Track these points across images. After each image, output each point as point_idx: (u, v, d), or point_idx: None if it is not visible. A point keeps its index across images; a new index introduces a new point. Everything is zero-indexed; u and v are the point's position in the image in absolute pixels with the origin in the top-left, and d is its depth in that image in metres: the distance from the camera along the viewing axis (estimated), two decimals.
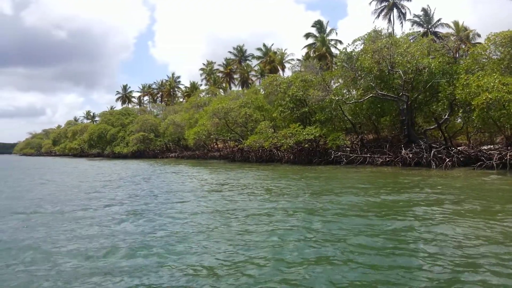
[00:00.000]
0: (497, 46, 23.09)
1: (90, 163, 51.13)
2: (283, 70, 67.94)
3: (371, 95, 28.40)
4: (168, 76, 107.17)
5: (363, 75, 28.90)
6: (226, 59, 78.79)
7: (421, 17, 55.36)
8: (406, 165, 26.37)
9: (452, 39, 34.76)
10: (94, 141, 76.72)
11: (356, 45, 30.09)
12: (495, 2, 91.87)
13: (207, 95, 62.77)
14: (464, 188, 15.74)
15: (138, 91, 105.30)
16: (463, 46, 37.93)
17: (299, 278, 6.06)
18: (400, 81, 26.67)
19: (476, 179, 18.72)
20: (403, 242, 7.75)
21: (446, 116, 26.64)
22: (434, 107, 27.12)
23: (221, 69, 80.00)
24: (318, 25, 61.06)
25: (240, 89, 67.97)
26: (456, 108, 26.47)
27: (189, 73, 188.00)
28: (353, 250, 7.27)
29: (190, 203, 13.45)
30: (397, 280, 5.86)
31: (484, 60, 24.36)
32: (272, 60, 68.12)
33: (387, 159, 28.03)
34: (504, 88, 20.26)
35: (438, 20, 54.65)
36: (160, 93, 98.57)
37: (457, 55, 31.99)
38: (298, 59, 63.61)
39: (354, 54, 29.53)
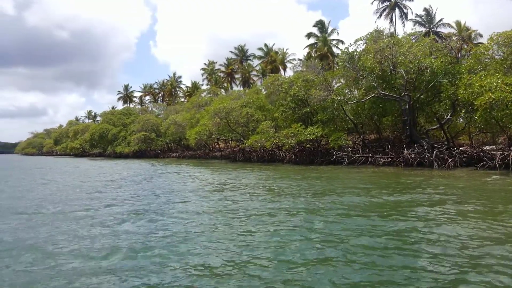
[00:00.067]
0: (500, 46, 22.97)
1: (92, 163, 51.16)
2: (284, 70, 67.88)
3: (373, 95, 28.31)
4: (169, 76, 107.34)
5: (365, 75, 28.83)
6: (227, 59, 78.80)
7: (423, 17, 55.26)
8: (408, 165, 26.29)
9: (454, 39, 34.66)
10: (95, 140, 76.78)
11: (358, 45, 30.06)
12: (496, 2, 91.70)
13: (209, 95, 62.72)
14: (466, 188, 15.68)
15: (139, 91, 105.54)
16: (465, 46, 37.83)
17: (302, 279, 6.02)
18: (402, 81, 26.59)
19: (478, 179, 18.65)
20: (406, 243, 7.70)
21: (448, 116, 26.55)
22: (436, 107, 27.02)
23: (223, 69, 80.00)
24: (320, 25, 61.01)
25: (241, 89, 67.92)
26: (458, 108, 26.39)
27: (190, 73, 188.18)
28: (355, 251, 7.23)
29: (192, 203, 13.42)
30: (400, 281, 5.83)
31: (486, 60, 24.26)
32: (273, 60, 68.06)
33: (389, 159, 27.95)
34: (507, 88, 20.17)
35: (440, 20, 54.56)
36: (162, 93, 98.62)
37: (459, 55, 31.94)
38: (299, 59, 63.56)
39: (356, 54, 29.46)
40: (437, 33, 51.78)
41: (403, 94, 27.08)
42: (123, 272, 6.50)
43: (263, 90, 44.45)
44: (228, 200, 13.63)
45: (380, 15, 57.33)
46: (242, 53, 77.32)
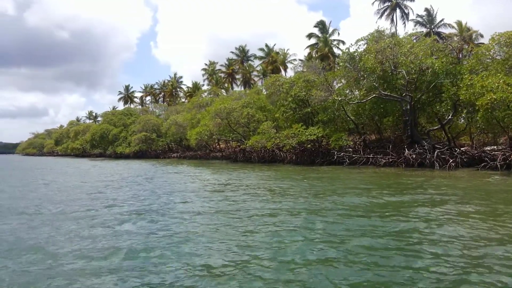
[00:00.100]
0: (502, 46, 22.92)
1: (92, 163, 51.17)
2: (285, 70, 67.82)
3: (374, 95, 28.28)
4: (170, 77, 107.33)
5: (366, 75, 28.78)
6: (228, 59, 78.78)
7: (424, 17, 55.15)
8: (409, 165, 26.24)
9: (455, 39, 34.60)
10: (96, 141, 76.79)
11: (359, 45, 30.02)
12: (497, 2, 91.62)
13: (209, 95, 62.69)
14: (468, 189, 15.64)
15: (140, 91, 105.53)
16: (466, 47, 37.78)
17: (303, 280, 6.01)
18: (403, 81, 26.55)
19: (480, 180, 18.61)
20: (407, 244, 7.68)
21: (450, 117, 26.52)
22: (437, 107, 26.98)
23: (223, 69, 79.98)
24: (321, 25, 60.94)
25: (242, 89, 67.90)
26: (459, 109, 26.35)
27: (191, 74, 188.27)
28: (357, 252, 7.21)
29: (193, 203, 13.40)
30: (402, 282, 5.81)
31: (488, 61, 24.21)
32: (274, 60, 68.03)
33: (390, 160, 27.91)
34: (509, 88, 20.13)
35: (441, 21, 54.44)
36: (162, 93, 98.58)
37: (460, 56, 31.86)
38: (300, 60, 63.47)
39: (357, 54, 29.43)
40: (438, 34, 51.69)
41: (404, 94, 27.04)
42: (123, 272, 6.48)
43: (264, 90, 44.42)
44: (229, 201, 13.60)
45: (381, 16, 57.28)
46: (243, 54, 77.30)
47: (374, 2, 57.60)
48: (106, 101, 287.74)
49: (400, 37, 32.19)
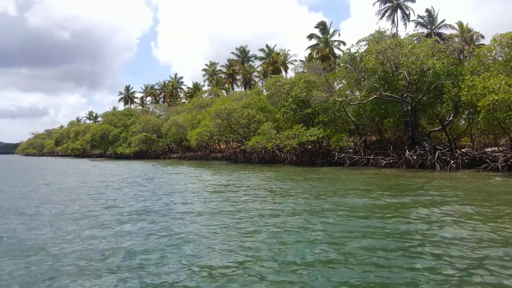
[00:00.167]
0: (503, 47, 22.84)
1: (93, 164, 51.14)
2: (286, 71, 67.78)
3: (375, 96, 28.21)
4: (170, 77, 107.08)
5: (366, 76, 28.72)
6: (228, 60, 78.77)
7: (425, 18, 55.11)
8: (410, 167, 26.18)
9: (456, 40, 34.53)
10: (96, 141, 76.75)
11: (360, 46, 29.95)
12: (498, 3, 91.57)
13: (210, 96, 62.70)
14: (469, 190, 15.59)
15: (140, 92, 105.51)
16: (467, 48, 37.68)
17: (304, 281, 5.98)
18: (404, 82, 26.49)
19: (481, 181, 18.56)
20: (409, 245, 7.64)
21: (451, 118, 26.45)
22: (438, 108, 26.91)
23: (224, 70, 79.96)
24: (321, 26, 60.90)
25: (242, 90, 67.84)
26: (460, 110, 26.28)
27: (191, 74, 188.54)
28: (358, 253, 7.19)
29: (194, 204, 13.36)
30: (403, 283, 5.79)
31: (489, 62, 24.15)
32: (275, 61, 67.99)
33: (391, 161, 27.85)
34: (511, 89, 20.06)
35: (442, 21, 54.42)
36: (163, 93, 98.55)
37: (461, 57, 31.78)
38: (301, 60, 63.37)
39: (358, 55, 29.37)
40: (439, 35, 51.62)
41: (405, 95, 26.98)
42: (124, 273, 6.45)
43: (264, 91, 44.38)
44: (230, 202, 13.56)
45: (382, 16, 57.22)
46: (243, 54, 77.28)
47: (375, 3, 57.61)
48: (107, 101, 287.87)
49: (401, 38, 32.14)
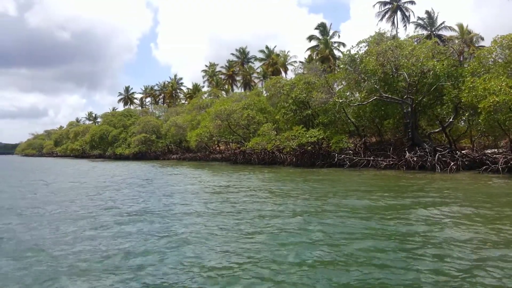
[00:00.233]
0: (504, 49, 22.83)
1: (92, 164, 51.08)
2: (285, 72, 67.81)
3: (375, 97, 28.18)
4: (170, 78, 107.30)
5: (366, 77, 28.68)
6: (228, 61, 78.80)
7: (425, 20, 55.11)
8: (410, 168, 26.14)
9: (457, 42, 34.53)
10: (95, 142, 76.71)
11: (360, 47, 29.94)
12: (497, 4, 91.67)
13: (210, 97, 62.65)
14: (469, 192, 15.56)
15: (140, 93, 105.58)
16: (467, 49, 37.73)
17: (304, 282, 5.96)
18: (405, 83, 26.46)
19: (481, 183, 18.53)
20: (409, 246, 7.62)
21: (451, 119, 26.44)
22: (438, 110, 26.90)
23: (224, 71, 79.97)
24: (321, 27, 60.94)
25: (242, 91, 67.82)
26: (461, 111, 26.27)
27: (191, 75, 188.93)
28: (358, 254, 7.17)
29: (193, 205, 13.32)
30: (403, 284, 5.78)
31: (490, 63, 24.14)
32: (275, 62, 68.01)
33: (391, 162, 27.81)
34: (511, 91, 20.05)
35: (442, 23, 54.47)
36: (162, 94, 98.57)
37: (461, 58, 31.79)
38: (301, 62, 63.38)
39: (358, 57, 29.37)
40: (439, 36, 51.63)
41: (405, 96, 26.95)
42: (123, 274, 6.43)
43: (264, 92, 44.38)
44: (229, 203, 13.52)
45: (382, 18, 57.25)
46: (243, 55, 77.32)
47: (375, 4, 57.68)
48: (107, 102, 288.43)
49: (401, 39, 32.13)
